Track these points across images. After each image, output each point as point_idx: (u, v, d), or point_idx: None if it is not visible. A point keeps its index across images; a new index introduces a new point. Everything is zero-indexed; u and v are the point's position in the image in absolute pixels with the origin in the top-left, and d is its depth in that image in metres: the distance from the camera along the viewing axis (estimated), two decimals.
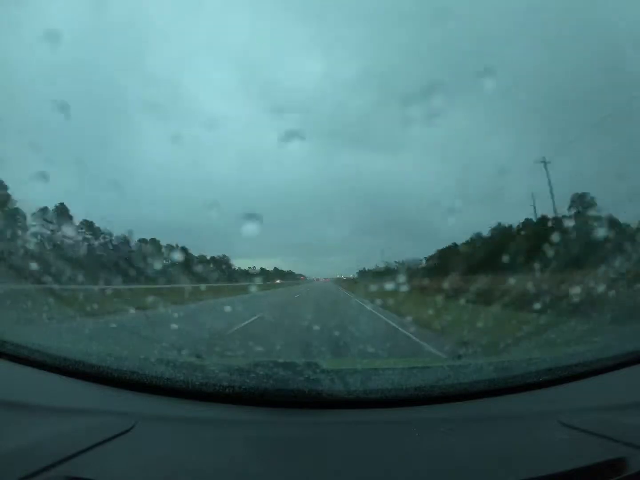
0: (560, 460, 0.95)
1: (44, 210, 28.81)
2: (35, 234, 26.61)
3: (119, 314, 8.04)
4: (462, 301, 9.01)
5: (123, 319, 7.48)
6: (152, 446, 1.06)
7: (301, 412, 1.24)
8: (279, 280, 52.12)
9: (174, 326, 6.78)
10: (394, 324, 8.80)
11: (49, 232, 27.78)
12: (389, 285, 12.44)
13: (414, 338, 6.70)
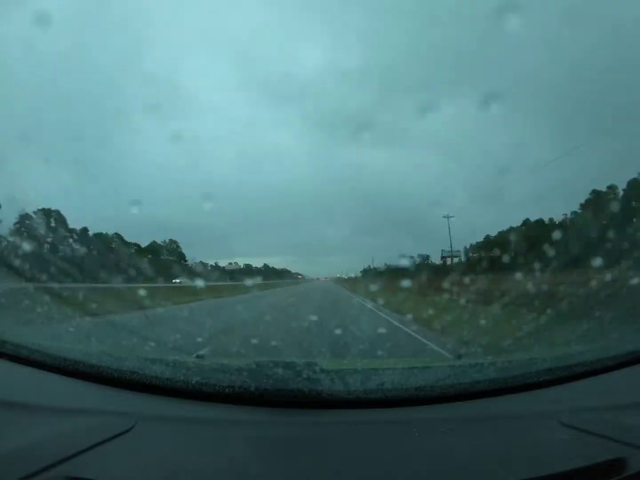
0: (560, 460, 0.96)
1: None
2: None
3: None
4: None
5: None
6: (152, 446, 1.06)
7: (301, 412, 1.24)
8: (263, 281, 38.94)
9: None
10: None
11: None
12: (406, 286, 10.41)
13: None
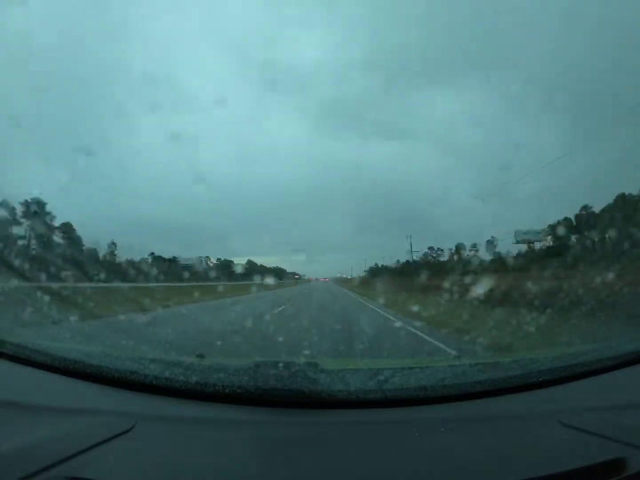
0: (560, 460, 0.95)
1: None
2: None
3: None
4: None
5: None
6: (152, 446, 1.06)
7: (301, 412, 1.24)
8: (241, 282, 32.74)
9: None
10: None
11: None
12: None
13: None
